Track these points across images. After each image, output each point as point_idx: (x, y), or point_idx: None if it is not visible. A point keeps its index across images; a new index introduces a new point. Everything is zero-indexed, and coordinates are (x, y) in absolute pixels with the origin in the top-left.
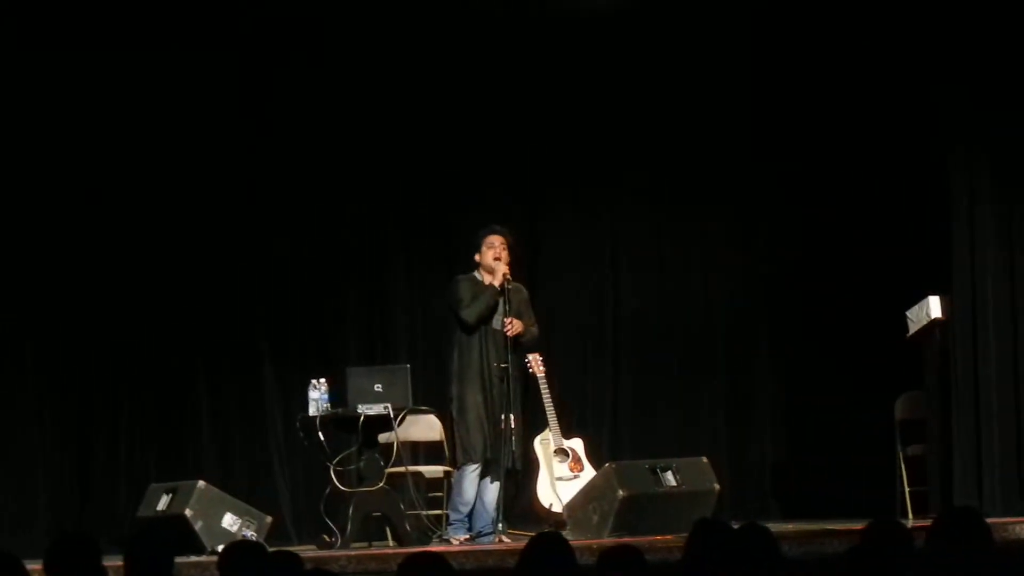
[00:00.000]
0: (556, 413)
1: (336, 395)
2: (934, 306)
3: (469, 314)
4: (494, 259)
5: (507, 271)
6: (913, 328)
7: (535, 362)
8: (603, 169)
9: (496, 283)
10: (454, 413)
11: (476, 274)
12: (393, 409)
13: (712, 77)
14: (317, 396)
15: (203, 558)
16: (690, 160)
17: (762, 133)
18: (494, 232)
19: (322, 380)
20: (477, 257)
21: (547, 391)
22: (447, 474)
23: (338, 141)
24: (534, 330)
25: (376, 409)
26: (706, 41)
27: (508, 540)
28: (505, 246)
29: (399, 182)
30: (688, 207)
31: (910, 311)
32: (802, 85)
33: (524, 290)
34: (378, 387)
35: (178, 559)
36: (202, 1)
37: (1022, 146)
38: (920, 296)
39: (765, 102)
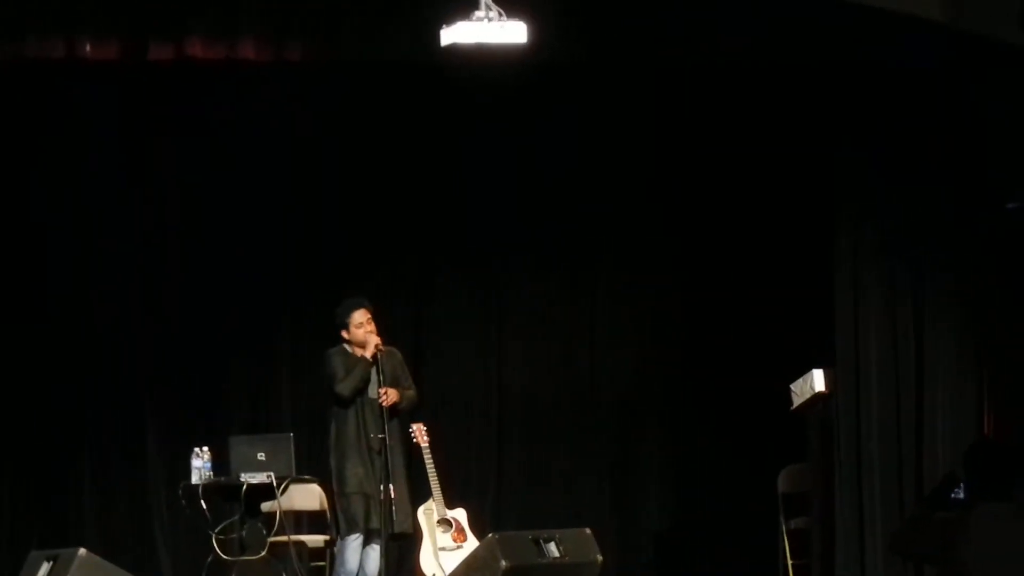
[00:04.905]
0: (440, 483)
1: (219, 463)
2: (818, 379)
3: (343, 388)
4: (367, 334)
5: (379, 342)
6: (797, 401)
7: (419, 432)
8: (489, 241)
9: (368, 355)
10: (334, 485)
11: (346, 346)
12: (276, 478)
13: (607, 152)
14: (200, 464)
15: None
16: (577, 230)
17: (650, 207)
18: (359, 307)
19: (205, 448)
20: (344, 333)
21: (431, 461)
22: (327, 543)
23: (225, 209)
24: (411, 394)
25: (259, 478)
26: (602, 116)
27: None
28: (371, 317)
29: (287, 254)
30: (574, 277)
31: (794, 384)
32: (691, 163)
33: (397, 352)
34: (261, 456)
35: None
36: None
37: (907, 217)
38: (804, 369)
39: (654, 179)
